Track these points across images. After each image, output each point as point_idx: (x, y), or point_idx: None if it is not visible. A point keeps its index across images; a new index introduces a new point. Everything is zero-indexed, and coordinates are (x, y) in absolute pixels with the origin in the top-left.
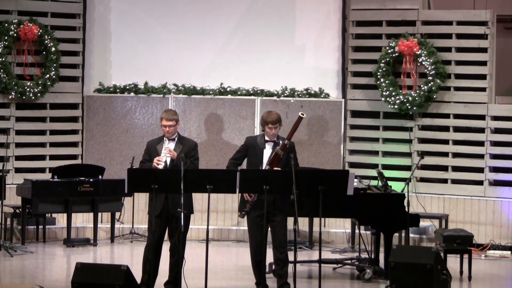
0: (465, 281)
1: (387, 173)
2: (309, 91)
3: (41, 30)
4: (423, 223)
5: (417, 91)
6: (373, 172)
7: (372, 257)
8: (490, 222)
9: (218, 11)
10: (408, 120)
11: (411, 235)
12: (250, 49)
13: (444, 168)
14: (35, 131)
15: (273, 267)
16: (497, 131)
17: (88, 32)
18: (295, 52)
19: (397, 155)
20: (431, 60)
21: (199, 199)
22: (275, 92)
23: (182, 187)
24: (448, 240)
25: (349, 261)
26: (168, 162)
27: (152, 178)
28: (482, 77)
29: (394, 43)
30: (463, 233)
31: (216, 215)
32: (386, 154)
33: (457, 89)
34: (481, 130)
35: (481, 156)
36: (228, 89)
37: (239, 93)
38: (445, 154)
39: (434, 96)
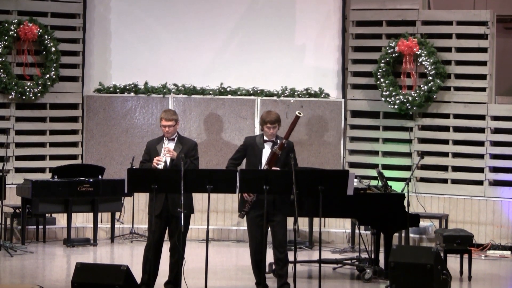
0: (465, 281)
1: (387, 173)
2: (309, 91)
3: (41, 30)
4: (423, 223)
5: (417, 91)
6: (373, 172)
7: (372, 257)
8: (490, 222)
9: (218, 11)
10: (408, 120)
11: (411, 235)
12: (250, 49)
13: (444, 168)
14: (35, 131)
15: (273, 267)
16: (497, 131)
17: (88, 32)
18: (295, 52)
19: (397, 155)
20: (431, 60)
21: (199, 199)
22: (275, 92)
23: (182, 187)
24: (448, 240)
25: (349, 261)
26: (168, 162)
27: (152, 178)
28: (482, 77)
29: (394, 43)
30: (463, 233)
31: (216, 215)
32: (386, 154)
33: (457, 89)
34: (481, 130)
35: (481, 156)
36: (228, 89)
37: (239, 93)
38: (445, 154)
39: (434, 96)
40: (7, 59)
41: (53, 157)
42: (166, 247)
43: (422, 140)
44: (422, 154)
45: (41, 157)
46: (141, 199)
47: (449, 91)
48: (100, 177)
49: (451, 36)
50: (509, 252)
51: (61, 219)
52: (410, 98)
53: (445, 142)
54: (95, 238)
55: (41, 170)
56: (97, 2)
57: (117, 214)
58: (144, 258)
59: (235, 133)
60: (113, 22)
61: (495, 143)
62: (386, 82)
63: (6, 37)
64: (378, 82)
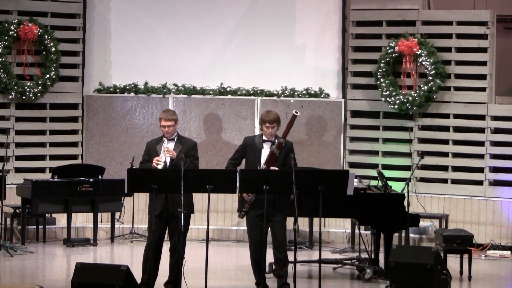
0: (465, 281)
1: (387, 173)
2: (309, 91)
3: (41, 30)
4: (423, 223)
5: (417, 91)
6: (373, 172)
7: (372, 257)
8: (490, 222)
9: (218, 11)
10: (408, 120)
11: (411, 235)
12: (250, 49)
13: (444, 168)
14: (35, 131)
15: (273, 267)
16: (497, 131)
17: (88, 32)
18: (295, 52)
19: (397, 155)
20: (431, 60)
21: (199, 199)
22: (275, 92)
23: (182, 187)
24: (448, 240)
25: (349, 261)
26: (168, 162)
27: (152, 178)
28: (482, 77)
29: (394, 43)
30: (463, 233)
31: (216, 215)
32: (386, 154)
33: (457, 89)
34: (481, 130)
35: (481, 156)
36: (228, 89)
37: (239, 93)
38: (445, 154)
39: (434, 96)
40: (7, 59)
41: (53, 157)
42: (166, 247)
43: (422, 140)
44: (422, 154)
45: (41, 157)
46: (141, 199)
47: (449, 91)
48: (100, 177)
49: (451, 36)
50: (509, 252)
51: (61, 219)
52: (410, 98)
53: (445, 142)
54: (95, 238)
55: (41, 170)
56: (97, 2)
57: (117, 214)
58: (144, 258)
59: (235, 133)
60: (113, 22)
61: (495, 143)
62: (386, 82)
63: (6, 37)
64: (378, 82)
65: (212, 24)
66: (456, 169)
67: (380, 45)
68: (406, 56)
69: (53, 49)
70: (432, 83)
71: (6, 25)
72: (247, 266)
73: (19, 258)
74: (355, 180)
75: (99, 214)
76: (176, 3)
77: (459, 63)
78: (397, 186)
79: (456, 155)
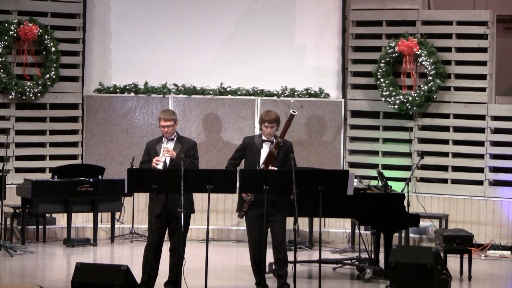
0: (465, 281)
1: (387, 173)
2: (309, 91)
3: (41, 30)
4: (423, 223)
5: (417, 91)
6: (373, 172)
7: (372, 257)
8: (490, 222)
9: (218, 11)
10: (408, 120)
11: (411, 235)
12: (250, 49)
13: (444, 168)
14: (35, 131)
15: (273, 267)
16: (497, 131)
17: (88, 32)
18: (295, 52)
19: (397, 155)
20: (431, 60)
21: (199, 199)
22: (275, 92)
23: (182, 187)
24: (448, 240)
25: (349, 261)
26: (167, 162)
27: (152, 178)
28: (482, 77)
29: (394, 43)
30: (463, 233)
31: (216, 215)
32: (386, 154)
33: (457, 89)
34: (481, 130)
35: (481, 156)
36: (228, 89)
37: (239, 93)
38: (445, 154)
39: (434, 96)
40: (7, 59)
41: (53, 157)
42: (166, 247)
43: (422, 140)
44: (422, 154)
45: (41, 157)
46: (141, 199)
47: (449, 91)
48: (100, 177)
49: (451, 36)
50: (509, 252)
51: (61, 219)
52: (410, 98)
53: (445, 142)
54: (95, 238)
55: (41, 170)
56: (97, 2)
57: (117, 214)
58: (144, 258)
59: (235, 133)
60: (113, 22)
61: (495, 143)
62: (386, 82)
63: (6, 37)
64: (378, 82)
65: (212, 24)
66: (456, 169)
67: (380, 45)
68: (406, 56)
69: (53, 49)
70: (432, 83)
71: (6, 25)
72: (247, 266)
73: (19, 258)
74: (355, 180)
75: (99, 214)
76: (176, 3)
77: (459, 63)
78: (397, 186)
79: (456, 155)
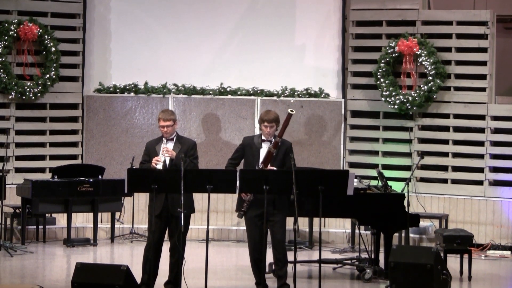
0: (465, 281)
1: (387, 173)
2: (309, 91)
3: (41, 30)
4: (423, 223)
5: (417, 91)
6: (373, 172)
7: (372, 257)
8: (490, 222)
9: (218, 11)
10: (408, 120)
11: (411, 235)
12: (250, 49)
13: (444, 168)
14: (35, 131)
15: (273, 267)
16: (497, 131)
17: (88, 32)
18: (295, 52)
19: (397, 155)
20: (431, 60)
21: (199, 199)
22: (275, 92)
23: (182, 187)
24: (448, 240)
25: (349, 261)
26: (167, 162)
27: (152, 178)
28: (482, 77)
29: (394, 43)
30: (463, 233)
31: (216, 215)
32: (386, 154)
33: (457, 89)
34: (481, 130)
35: (481, 156)
36: (228, 89)
37: (239, 93)
38: (445, 154)
39: (434, 96)
40: (7, 59)
41: (53, 157)
42: (166, 247)
43: (422, 140)
44: (422, 154)
45: (41, 157)
46: (141, 199)
47: (449, 91)
48: (100, 177)
49: (451, 36)
50: (509, 252)
51: (61, 219)
52: (410, 98)
53: (445, 142)
54: (95, 238)
55: (41, 170)
56: (97, 2)
57: (117, 214)
58: (144, 258)
59: (235, 133)
60: (113, 22)
61: (495, 143)
62: (386, 82)
63: (6, 37)
64: (378, 82)
65: (212, 24)
66: (456, 169)
67: (380, 45)
68: (406, 56)
69: (53, 49)
70: (432, 83)
71: (6, 25)
72: (247, 266)
73: (19, 258)
74: (355, 180)
75: (99, 214)
76: (176, 3)
77: (459, 63)
78: (397, 186)
79: (456, 155)
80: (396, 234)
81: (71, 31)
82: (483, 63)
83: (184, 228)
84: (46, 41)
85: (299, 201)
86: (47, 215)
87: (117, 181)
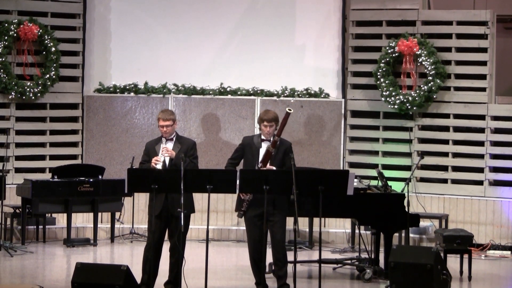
0: (465, 281)
1: (387, 173)
2: (309, 91)
3: (41, 30)
4: (423, 223)
5: (417, 91)
6: (373, 172)
7: (372, 257)
8: (490, 222)
9: (218, 11)
10: (408, 120)
11: (411, 235)
12: (250, 49)
13: (444, 168)
14: (35, 131)
15: (273, 267)
16: (497, 131)
17: (88, 32)
18: (295, 52)
19: (397, 155)
20: (431, 60)
21: (199, 199)
22: (275, 92)
23: (182, 187)
24: (448, 240)
25: (349, 261)
26: (167, 162)
27: (152, 178)
28: (482, 77)
29: (394, 43)
30: (463, 233)
31: (216, 215)
32: (386, 154)
33: (457, 89)
34: (481, 130)
35: (481, 156)
36: (228, 89)
37: (239, 93)
38: (445, 154)
39: (434, 96)
40: (7, 59)
41: (53, 157)
42: (166, 247)
43: (422, 140)
44: (422, 154)
45: (41, 157)
46: (141, 199)
47: (449, 91)
48: (100, 177)
49: (451, 36)
50: (509, 252)
51: (61, 219)
52: (410, 98)
53: (445, 142)
54: (95, 238)
55: (41, 170)
56: (97, 2)
57: (117, 214)
58: (144, 258)
59: (235, 133)
60: (113, 22)
61: (495, 143)
62: (386, 82)
63: (6, 37)
64: (378, 82)
65: (212, 24)
66: (456, 169)
67: (380, 45)
68: (406, 56)
69: (53, 49)
70: (432, 83)
71: (6, 25)
72: (247, 266)
73: (19, 258)
74: (355, 180)
75: (99, 214)
76: (176, 3)
77: (459, 63)
78: (397, 186)
79: (456, 155)
80: (396, 234)
81: (71, 31)
82: (483, 63)
83: (184, 228)
84: (46, 41)
85: (299, 201)
86: (47, 215)
87: (117, 181)
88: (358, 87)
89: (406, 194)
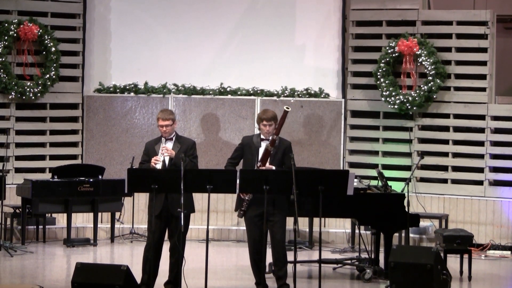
0: (465, 281)
1: (387, 173)
2: (309, 91)
3: (41, 30)
4: (423, 223)
5: (417, 91)
6: (373, 172)
7: (372, 257)
8: (490, 222)
9: (218, 11)
10: (408, 120)
11: (411, 235)
12: (250, 49)
13: (444, 168)
14: (35, 131)
15: (273, 267)
16: (497, 131)
17: (88, 32)
18: (295, 52)
19: (397, 155)
20: (431, 60)
21: (199, 199)
22: (275, 92)
23: (182, 187)
24: (448, 240)
25: (349, 261)
26: (166, 162)
27: (152, 178)
28: (482, 77)
29: (394, 43)
30: (463, 233)
31: (216, 215)
32: (386, 154)
33: (457, 89)
34: (481, 130)
35: (481, 156)
36: (228, 89)
37: (239, 93)
38: (445, 154)
39: (434, 96)
40: (7, 59)
41: (53, 157)
42: (166, 247)
43: (422, 140)
44: (422, 154)
45: (41, 157)
46: (141, 199)
47: (449, 91)
48: (100, 177)
49: (451, 36)
50: (509, 252)
51: (61, 219)
52: (410, 98)
53: (445, 142)
54: (95, 238)
55: (41, 170)
56: (97, 2)
57: (117, 214)
58: (144, 258)
59: (235, 133)
60: (113, 22)
61: (495, 143)
62: (386, 82)
63: (6, 37)
64: (378, 82)
65: (212, 24)
66: (456, 169)
67: (380, 45)
68: (406, 56)
69: (53, 49)
70: (432, 83)
71: (6, 25)
72: (247, 266)
73: (19, 258)
74: (355, 180)
75: (99, 214)
76: (176, 3)
77: (459, 63)
78: (397, 186)
79: (456, 155)
80: (396, 234)
81: (71, 31)
82: (483, 63)
83: (184, 228)
84: (46, 41)
85: (299, 201)
86: (47, 215)
87: (117, 181)
88: (358, 87)
89: (406, 194)
